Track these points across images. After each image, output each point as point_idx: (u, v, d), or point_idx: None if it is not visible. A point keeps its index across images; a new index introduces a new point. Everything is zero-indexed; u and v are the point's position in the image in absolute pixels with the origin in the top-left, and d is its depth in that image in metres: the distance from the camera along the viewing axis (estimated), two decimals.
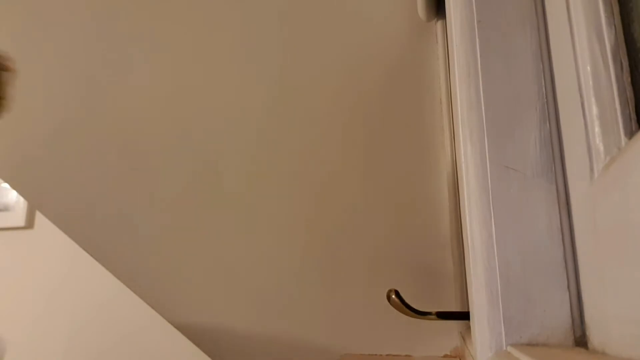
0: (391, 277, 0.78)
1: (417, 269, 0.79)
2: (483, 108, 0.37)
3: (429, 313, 0.62)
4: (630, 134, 0.27)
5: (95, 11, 1.01)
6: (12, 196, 1.68)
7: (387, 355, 0.75)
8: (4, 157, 0.96)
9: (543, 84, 0.37)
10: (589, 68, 0.30)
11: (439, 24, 0.84)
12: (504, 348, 0.33)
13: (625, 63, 0.29)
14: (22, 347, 1.54)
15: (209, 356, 0.80)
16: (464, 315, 0.61)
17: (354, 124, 0.86)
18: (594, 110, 0.30)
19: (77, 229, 0.88)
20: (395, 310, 0.63)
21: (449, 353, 0.76)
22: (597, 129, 0.29)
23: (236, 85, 0.91)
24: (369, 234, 0.78)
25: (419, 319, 0.70)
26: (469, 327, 0.45)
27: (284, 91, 0.78)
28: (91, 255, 0.86)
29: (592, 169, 0.30)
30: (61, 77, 0.99)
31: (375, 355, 0.75)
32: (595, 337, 0.31)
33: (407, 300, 0.64)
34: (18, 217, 1.65)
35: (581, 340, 0.32)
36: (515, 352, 0.31)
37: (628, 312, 0.25)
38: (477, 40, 0.38)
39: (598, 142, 0.29)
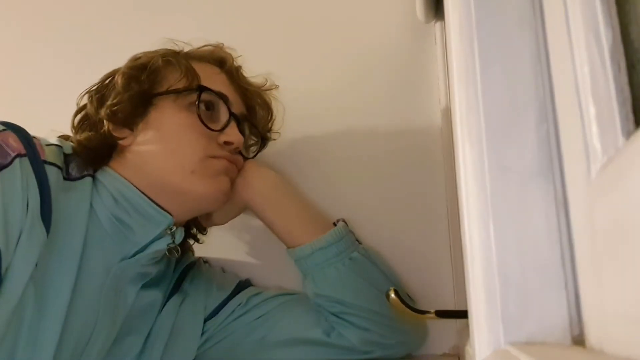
0: None
1: (415, 268, 0.79)
2: (481, 109, 0.37)
3: (428, 312, 0.62)
4: (627, 134, 0.27)
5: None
6: None
7: None
8: None
9: (541, 84, 0.37)
10: (586, 68, 0.30)
11: (438, 25, 0.84)
12: (502, 346, 0.33)
13: (623, 63, 0.29)
14: None
15: None
16: (463, 314, 0.61)
17: (352, 125, 0.86)
18: (592, 110, 0.30)
19: None
20: (395, 309, 0.64)
21: (447, 351, 0.76)
22: (594, 129, 0.29)
23: None
24: (366, 233, 0.79)
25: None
26: (467, 326, 0.45)
27: (280, 92, 0.78)
28: None
29: (589, 169, 0.30)
30: None
31: None
32: (593, 335, 0.31)
33: (406, 299, 0.64)
34: None
35: (579, 339, 0.33)
36: (513, 351, 0.32)
37: (625, 311, 0.25)
38: (476, 41, 0.38)
39: (595, 142, 0.29)
